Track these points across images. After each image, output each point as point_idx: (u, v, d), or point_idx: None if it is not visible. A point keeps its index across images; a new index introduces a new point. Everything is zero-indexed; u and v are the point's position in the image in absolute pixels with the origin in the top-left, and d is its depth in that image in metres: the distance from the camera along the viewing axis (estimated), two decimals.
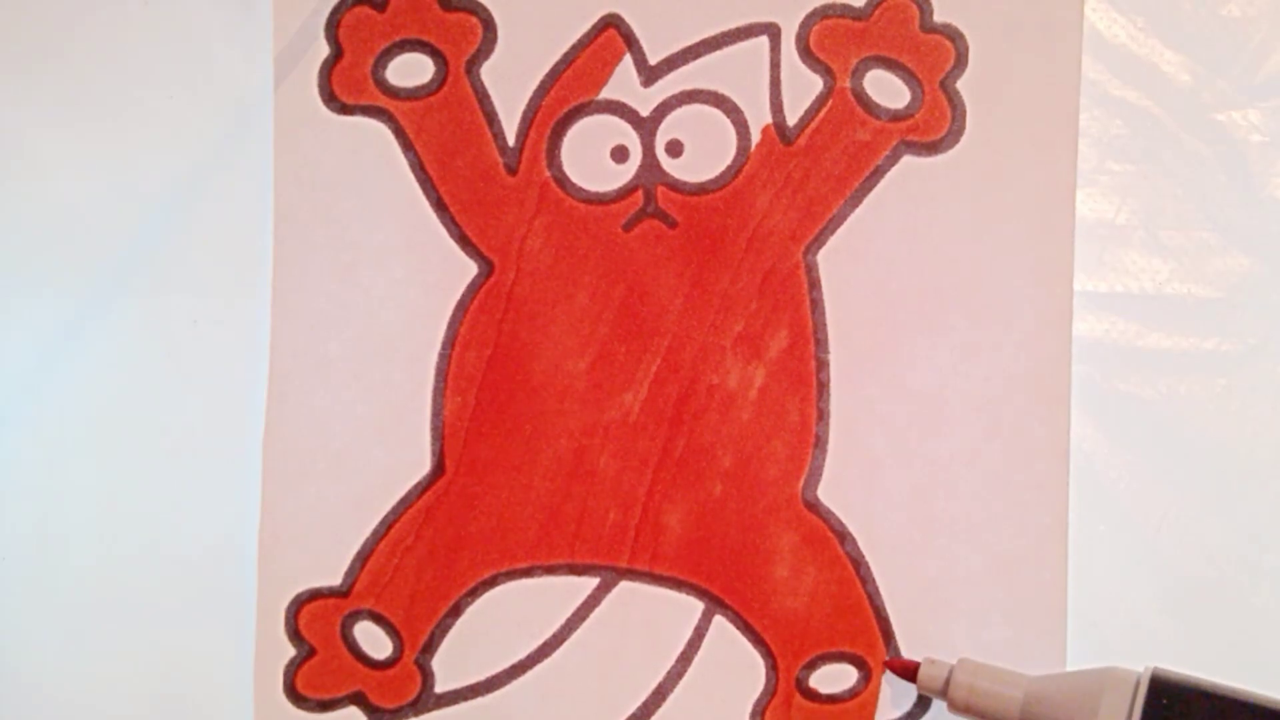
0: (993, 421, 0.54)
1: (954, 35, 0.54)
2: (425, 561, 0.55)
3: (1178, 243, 0.54)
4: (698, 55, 0.55)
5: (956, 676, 0.50)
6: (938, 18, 0.54)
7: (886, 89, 0.54)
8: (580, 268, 0.55)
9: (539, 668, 0.55)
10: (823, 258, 0.54)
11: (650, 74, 0.55)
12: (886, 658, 0.53)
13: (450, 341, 0.55)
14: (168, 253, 0.55)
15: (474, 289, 0.55)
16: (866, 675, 0.54)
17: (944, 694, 0.51)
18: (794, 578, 0.54)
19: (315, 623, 0.55)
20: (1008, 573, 0.54)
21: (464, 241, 0.55)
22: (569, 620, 0.55)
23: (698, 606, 0.55)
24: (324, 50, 0.55)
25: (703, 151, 0.54)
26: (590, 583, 0.55)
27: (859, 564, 0.54)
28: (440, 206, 0.55)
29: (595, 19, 0.55)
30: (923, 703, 0.54)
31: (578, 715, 0.55)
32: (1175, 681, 0.46)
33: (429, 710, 0.55)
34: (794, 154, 0.54)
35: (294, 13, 0.55)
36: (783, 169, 0.54)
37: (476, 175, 0.55)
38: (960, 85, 0.54)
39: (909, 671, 0.52)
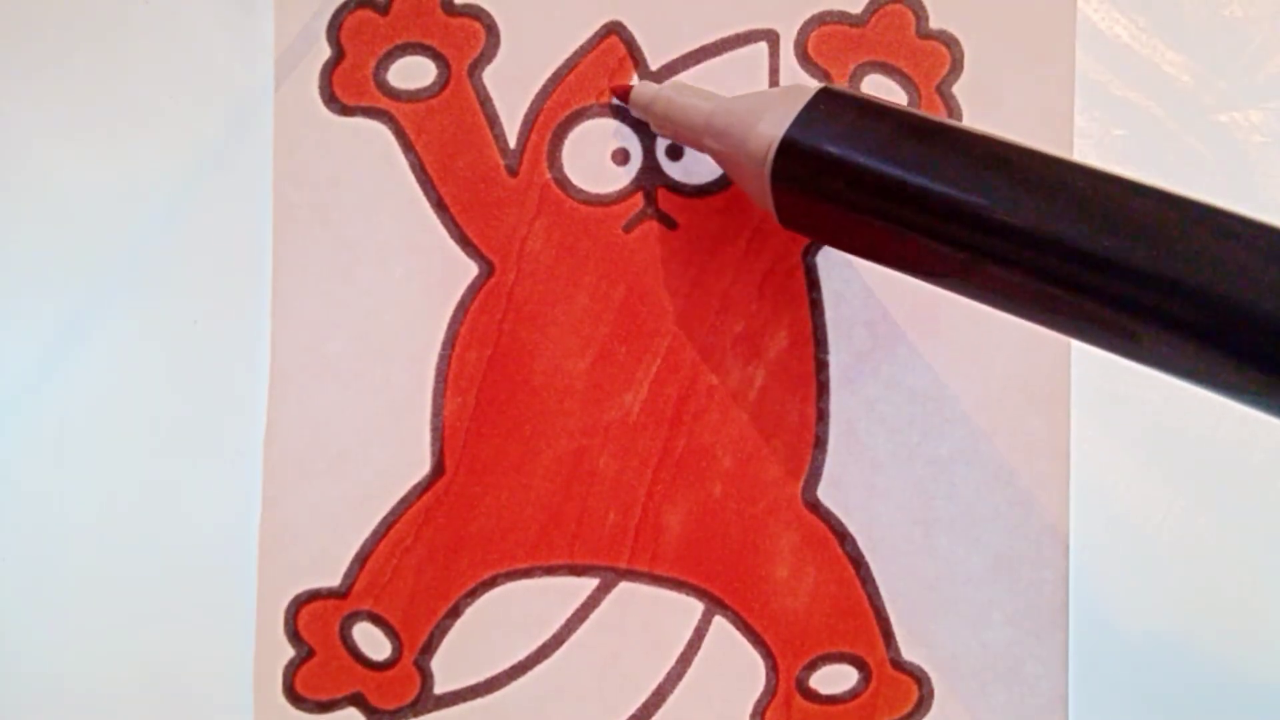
0: (993, 421, 0.54)
1: (949, 41, 0.54)
2: (425, 562, 0.55)
3: None
4: (698, 61, 0.55)
5: (662, 92, 0.51)
6: (933, 24, 0.54)
7: (884, 93, 0.55)
8: (581, 268, 0.55)
9: (539, 668, 0.54)
10: (822, 258, 0.54)
11: (651, 79, 0.55)
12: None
13: (450, 342, 0.55)
14: (168, 253, 0.55)
15: (474, 289, 0.55)
16: (867, 676, 0.54)
17: (649, 110, 0.52)
18: (794, 578, 0.54)
19: (314, 623, 0.55)
20: (1008, 573, 0.54)
21: (464, 242, 0.55)
22: (569, 621, 0.55)
23: (698, 607, 0.55)
24: (325, 52, 0.55)
25: (703, 155, 0.55)
26: (590, 583, 0.55)
27: (859, 564, 0.54)
28: (441, 207, 0.55)
29: (598, 26, 0.55)
30: (922, 703, 0.54)
31: (578, 716, 0.54)
32: (839, 91, 0.45)
33: (428, 711, 0.55)
34: None
35: (295, 15, 0.55)
36: None
37: (477, 176, 0.55)
38: (956, 90, 0.54)
39: (624, 93, 0.54)
